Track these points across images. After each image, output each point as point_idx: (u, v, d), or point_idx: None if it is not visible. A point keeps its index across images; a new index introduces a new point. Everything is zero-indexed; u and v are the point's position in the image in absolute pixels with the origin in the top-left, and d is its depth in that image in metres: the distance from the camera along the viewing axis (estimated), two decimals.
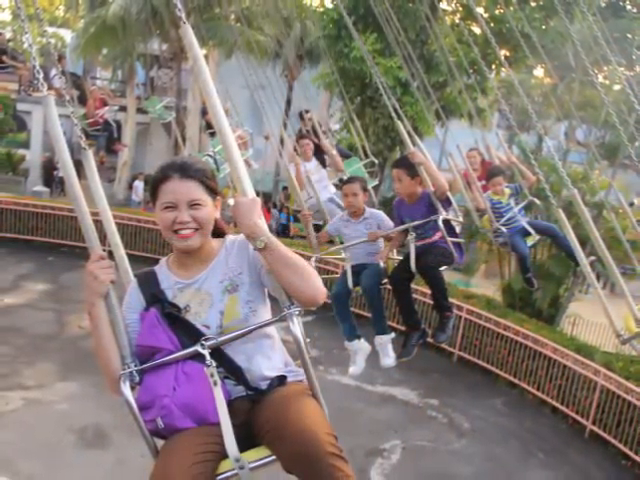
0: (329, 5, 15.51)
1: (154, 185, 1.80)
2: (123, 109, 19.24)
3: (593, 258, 4.37)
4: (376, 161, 7.37)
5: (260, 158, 15.31)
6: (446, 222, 3.90)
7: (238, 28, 15.64)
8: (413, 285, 4.16)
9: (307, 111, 7.48)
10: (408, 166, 3.89)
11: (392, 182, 4.91)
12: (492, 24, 12.85)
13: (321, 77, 15.17)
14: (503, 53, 13.13)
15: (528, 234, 5.21)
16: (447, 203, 3.94)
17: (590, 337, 11.78)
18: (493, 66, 13.98)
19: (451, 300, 4.35)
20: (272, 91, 7.72)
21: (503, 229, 5.05)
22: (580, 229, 3.83)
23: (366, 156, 7.02)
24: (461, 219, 4.25)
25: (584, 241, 4.45)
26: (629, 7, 15.17)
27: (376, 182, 7.32)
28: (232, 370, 1.78)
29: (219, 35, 16.73)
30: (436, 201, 3.86)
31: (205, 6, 16.46)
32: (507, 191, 5.24)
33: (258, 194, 1.71)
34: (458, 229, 4.28)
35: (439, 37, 9.47)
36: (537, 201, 5.39)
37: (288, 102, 18.17)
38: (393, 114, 4.30)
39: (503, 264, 12.81)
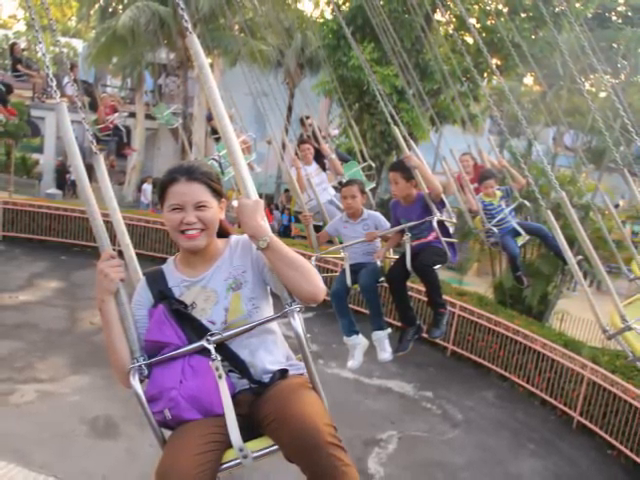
0: (329, 16, 15.76)
1: (162, 187, 1.84)
2: (132, 115, 19.53)
3: (580, 257, 4.55)
4: (373, 165, 7.53)
5: (263, 162, 15.50)
6: (440, 223, 4.02)
7: (242, 38, 15.79)
8: (409, 283, 4.28)
9: (307, 117, 7.52)
10: (404, 169, 3.99)
11: (389, 185, 5.10)
12: (484, 34, 13.14)
13: (321, 85, 15.36)
14: (494, 62, 13.40)
15: (518, 234, 5.34)
16: (441, 205, 4.08)
17: (577, 333, 11.90)
18: (485, 74, 14.21)
19: (445, 297, 4.39)
20: (274, 98, 7.77)
21: (494, 229, 5.15)
22: (568, 229, 3.82)
23: (364, 160, 7.12)
24: (454, 220, 4.35)
25: (572, 241, 4.63)
26: (614, 18, 15.53)
27: (373, 185, 7.38)
28: (236, 364, 1.83)
29: (224, 45, 17.10)
30: (431, 203, 3.97)
31: (210, 17, 16.72)
32: (498, 193, 5.36)
33: (261, 196, 1.82)
34: (452, 229, 4.41)
35: (433, 46, 9.74)
36: (527, 203, 5.52)
37: (289, 108, 18.28)
38: (390, 120, 4.42)
39: (494, 263, 12.93)
